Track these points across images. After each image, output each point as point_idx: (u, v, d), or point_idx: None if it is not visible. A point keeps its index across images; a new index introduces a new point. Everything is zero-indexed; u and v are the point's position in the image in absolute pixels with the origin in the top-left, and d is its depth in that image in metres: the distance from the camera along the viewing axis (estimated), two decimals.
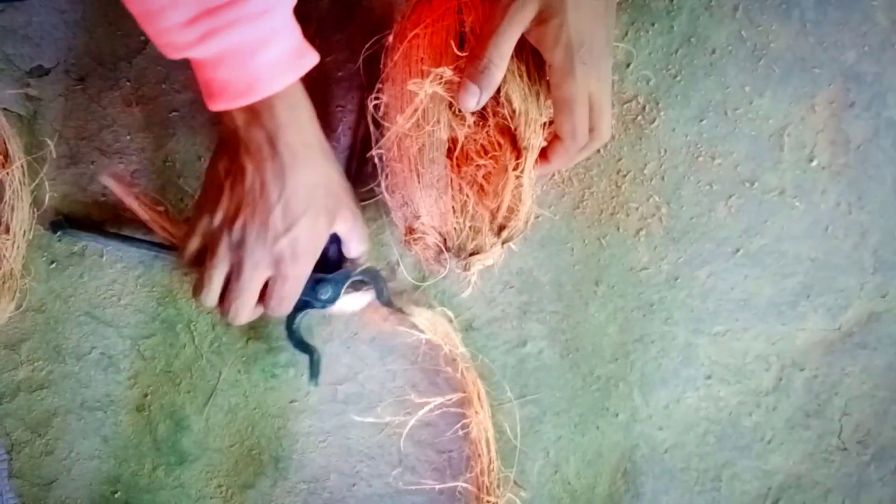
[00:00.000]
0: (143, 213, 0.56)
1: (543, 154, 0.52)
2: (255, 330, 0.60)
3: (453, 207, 0.53)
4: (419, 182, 0.52)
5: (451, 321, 0.59)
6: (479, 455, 0.57)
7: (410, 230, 0.54)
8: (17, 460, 0.60)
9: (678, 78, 0.59)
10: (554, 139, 0.51)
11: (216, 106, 0.47)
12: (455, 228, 0.53)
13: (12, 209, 0.56)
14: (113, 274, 0.59)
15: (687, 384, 0.61)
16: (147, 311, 0.60)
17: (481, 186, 0.53)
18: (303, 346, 0.57)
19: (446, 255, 0.54)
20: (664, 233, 0.60)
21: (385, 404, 0.60)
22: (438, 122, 0.51)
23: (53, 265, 0.59)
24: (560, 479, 0.61)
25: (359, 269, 0.57)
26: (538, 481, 0.61)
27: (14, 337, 0.59)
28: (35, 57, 0.57)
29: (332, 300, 0.55)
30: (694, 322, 0.60)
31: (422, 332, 0.58)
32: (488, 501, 0.57)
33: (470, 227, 0.53)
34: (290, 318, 0.56)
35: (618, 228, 0.60)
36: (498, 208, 0.53)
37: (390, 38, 0.53)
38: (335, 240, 0.55)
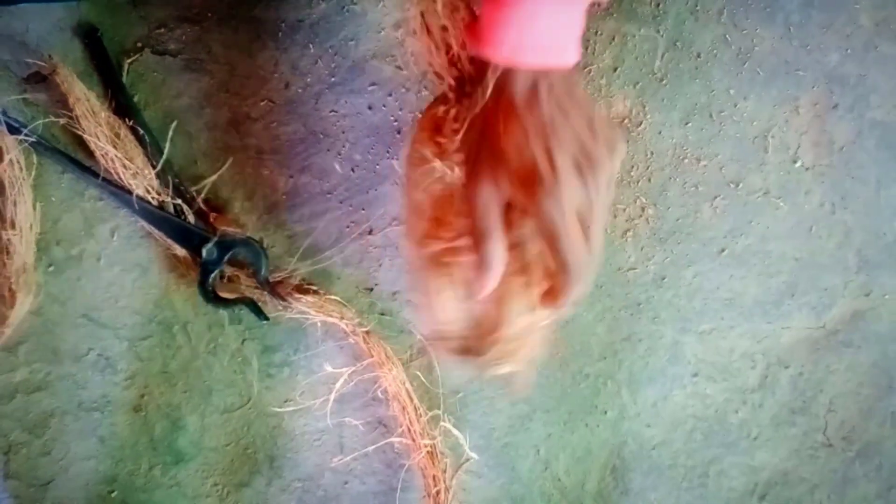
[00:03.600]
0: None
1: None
2: (251, 331, 0.61)
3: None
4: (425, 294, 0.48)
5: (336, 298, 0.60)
6: (404, 407, 0.59)
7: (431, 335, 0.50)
8: (15, 461, 0.60)
9: (664, 81, 0.60)
10: (556, 276, 0.45)
11: None
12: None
13: (15, 204, 0.56)
14: (110, 277, 0.60)
15: (674, 382, 0.62)
16: (144, 313, 0.60)
17: None
18: (228, 301, 0.59)
19: (463, 358, 0.48)
20: (651, 233, 0.61)
21: (301, 387, 0.61)
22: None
23: (51, 268, 0.59)
24: (550, 475, 0.62)
25: (239, 238, 0.58)
26: (528, 478, 0.62)
27: (12, 339, 0.59)
28: (32, 63, 0.58)
29: (216, 262, 0.58)
30: (681, 321, 0.61)
31: (312, 314, 0.59)
32: (425, 445, 0.58)
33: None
34: (201, 284, 0.58)
35: (605, 230, 0.61)
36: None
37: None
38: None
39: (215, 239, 0.58)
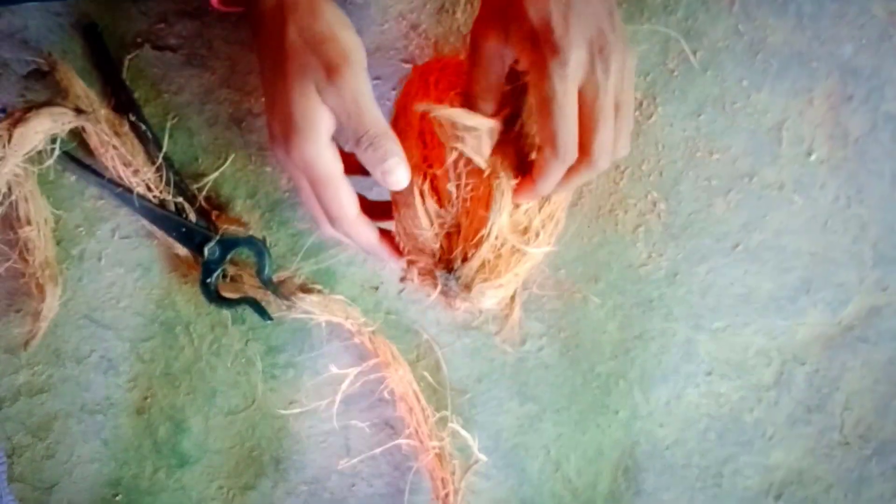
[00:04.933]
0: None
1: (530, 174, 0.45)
2: (254, 331, 0.60)
3: (427, 216, 0.46)
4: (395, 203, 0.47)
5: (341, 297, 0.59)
6: (411, 408, 0.58)
7: (407, 262, 0.48)
8: (18, 464, 0.60)
9: (675, 73, 0.59)
10: (539, 151, 0.44)
11: None
12: (434, 237, 0.46)
13: (26, 200, 0.56)
14: (111, 277, 0.59)
15: (687, 380, 0.61)
16: (146, 314, 0.60)
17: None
18: (231, 301, 0.58)
19: (438, 274, 0.46)
20: (663, 229, 0.60)
21: (306, 388, 0.60)
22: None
23: None
24: (561, 476, 0.61)
25: (242, 236, 0.57)
26: (539, 479, 0.61)
27: (14, 341, 0.59)
28: (32, 61, 0.57)
29: (219, 262, 0.57)
30: (694, 318, 0.60)
31: (317, 314, 0.58)
32: (433, 447, 0.58)
33: (449, 234, 0.46)
34: (204, 284, 0.57)
35: (616, 225, 0.60)
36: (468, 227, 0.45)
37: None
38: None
39: (217, 238, 0.57)
